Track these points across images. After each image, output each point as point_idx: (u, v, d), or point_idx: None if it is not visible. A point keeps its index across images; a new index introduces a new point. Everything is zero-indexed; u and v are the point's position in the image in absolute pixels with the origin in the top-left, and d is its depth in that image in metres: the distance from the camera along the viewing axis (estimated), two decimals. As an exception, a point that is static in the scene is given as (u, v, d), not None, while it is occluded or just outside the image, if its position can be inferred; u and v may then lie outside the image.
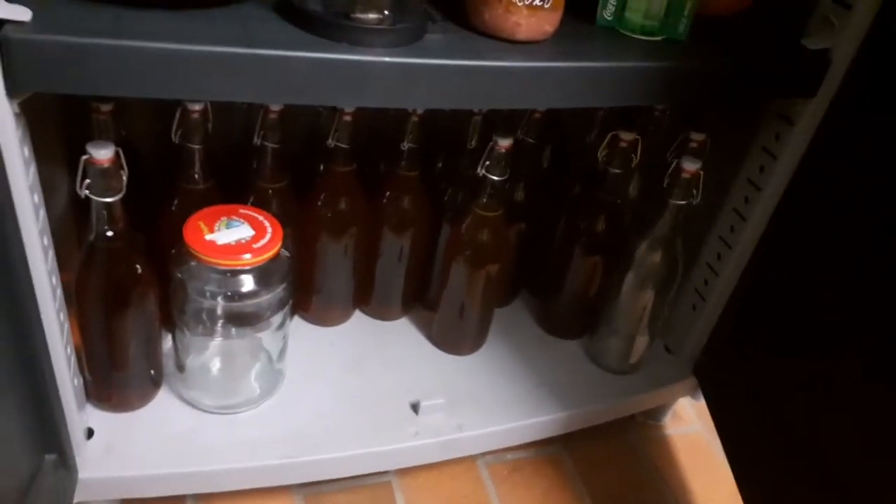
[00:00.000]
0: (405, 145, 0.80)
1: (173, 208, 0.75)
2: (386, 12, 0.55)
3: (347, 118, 0.75)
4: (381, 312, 0.94)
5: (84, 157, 0.59)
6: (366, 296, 0.93)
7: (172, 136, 0.71)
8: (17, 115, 0.49)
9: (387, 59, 0.53)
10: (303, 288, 0.86)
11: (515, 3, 0.57)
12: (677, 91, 0.67)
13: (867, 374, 0.70)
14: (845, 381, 0.73)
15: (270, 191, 0.77)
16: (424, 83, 0.56)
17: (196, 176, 0.74)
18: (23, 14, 0.46)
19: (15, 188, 0.50)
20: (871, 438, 0.69)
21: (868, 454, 0.69)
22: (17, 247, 0.52)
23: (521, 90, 0.59)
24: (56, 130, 0.71)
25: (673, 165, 0.78)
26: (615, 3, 0.67)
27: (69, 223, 0.73)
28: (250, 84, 0.52)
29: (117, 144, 0.61)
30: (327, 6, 0.55)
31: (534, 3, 0.58)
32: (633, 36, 0.67)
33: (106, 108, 0.70)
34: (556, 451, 0.95)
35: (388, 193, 0.84)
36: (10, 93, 0.47)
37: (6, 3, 0.45)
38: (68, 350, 0.62)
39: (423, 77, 0.55)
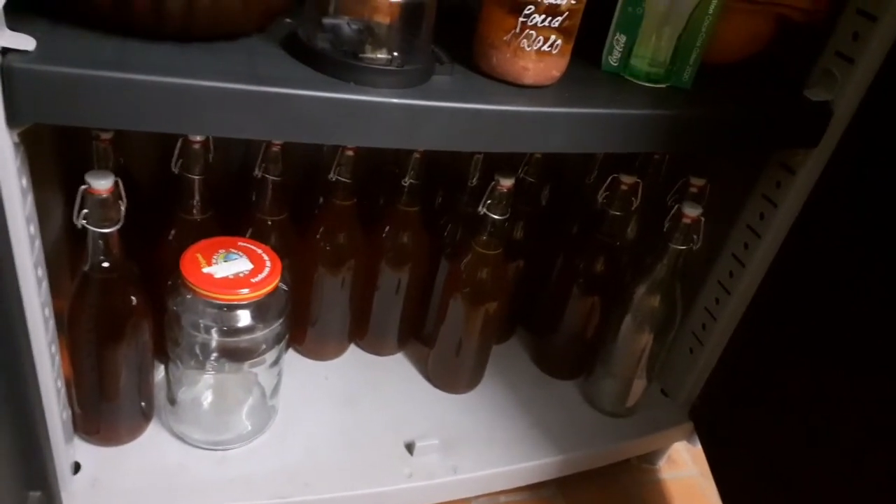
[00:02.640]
0: (406, 181, 0.79)
1: (170, 238, 0.74)
2: (395, 53, 0.55)
3: (350, 153, 0.75)
4: (376, 347, 0.93)
5: (83, 186, 0.59)
6: (361, 330, 0.92)
7: (172, 166, 0.71)
8: (16, 145, 0.48)
9: (394, 100, 0.53)
10: (298, 321, 0.85)
11: (524, 48, 0.58)
12: (681, 139, 0.67)
13: (865, 425, 0.70)
14: (842, 431, 0.72)
15: (270, 223, 0.77)
16: (430, 125, 0.56)
17: (195, 206, 0.73)
18: (27, 43, 0.46)
19: (11, 219, 0.50)
20: (869, 490, 0.68)
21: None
22: (10, 278, 0.52)
23: (527, 134, 0.59)
24: (53, 156, 0.71)
25: (674, 210, 0.78)
26: (621, 50, 0.67)
27: (62, 249, 0.72)
28: (256, 121, 0.51)
29: (115, 173, 0.60)
30: (335, 45, 0.55)
31: (542, 49, 0.58)
32: (638, 83, 0.67)
33: (106, 136, 0.69)
34: (551, 494, 0.93)
35: (387, 228, 0.84)
36: (11, 123, 0.46)
37: (10, 32, 0.45)
38: (58, 384, 0.61)
39: (429, 119, 0.55)
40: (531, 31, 0.57)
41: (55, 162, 0.70)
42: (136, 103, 0.48)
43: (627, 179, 0.81)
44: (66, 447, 0.65)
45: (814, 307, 0.78)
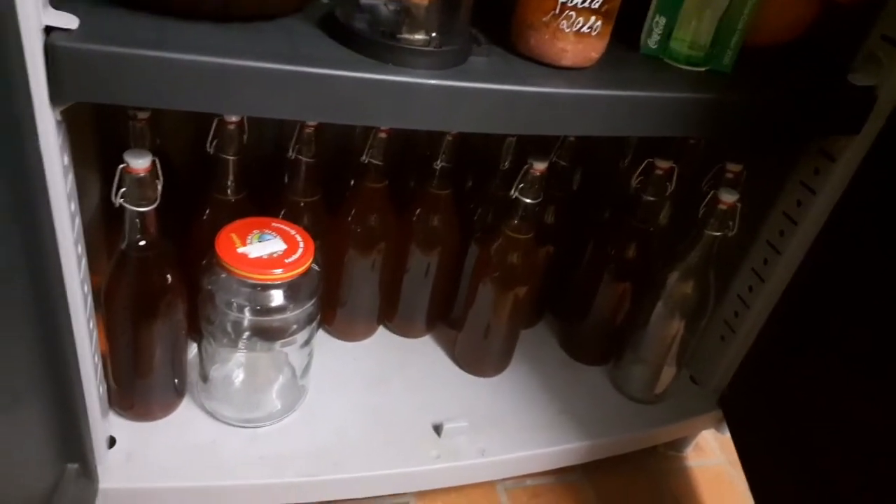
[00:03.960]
0: (438, 164, 0.79)
1: (205, 218, 0.74)
2: (432, 34, 0.54)
3: (382, 135, 0.74)
4: (405, 329, 0.93)
5: (121, 165, 0.59)
6: (391, 312, 0.92)
7: (207, 146, 0.71)
8: (58, 123, 0.49)
9: (432, 81, 0.53)
10: (328, 301, 0.85)
11: (563, 29, 0.57)
12: (719, 125, 0.65)
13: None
14: (874, 422, 0.71)
15: (302, 204, 0.77)
16: (467, 107, 0.55)
17: (229, 187, 0.73)
18: (70, 22, 0.46)
19: (54, 196, 0.50)
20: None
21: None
22: (52, 254, 0.52)
23: (564, 117, 0.59)
24: (90, 135, 0.72)
25: (709, 196, 0.76)
26: (660, 32, 0.66)
27: (99, 227, 0.72)
28: (293, 101, 0.51)
29: (152, 152, 0.61)
30: (373, 25, 0.55)
31: (581, 30, 0.57)
32: (678, 66, 0.66)
33: (143, 115, 0.70)
34: (577, 479, 0.93)
35: (418, 211, 0.84)
36: (54, 101, 0.47)
37: (54, 11, 0.45)
38: (96, 358, 0.62)
39: (466, 101, 0.55)
40: (571, 13, 0.56)
41: (92, 141, 0.71)
42: (176, 82, 0.48)
43: (663, 164, 0.80)
44: (103, 421, 0.66)
45: (849, 298, 0.76)
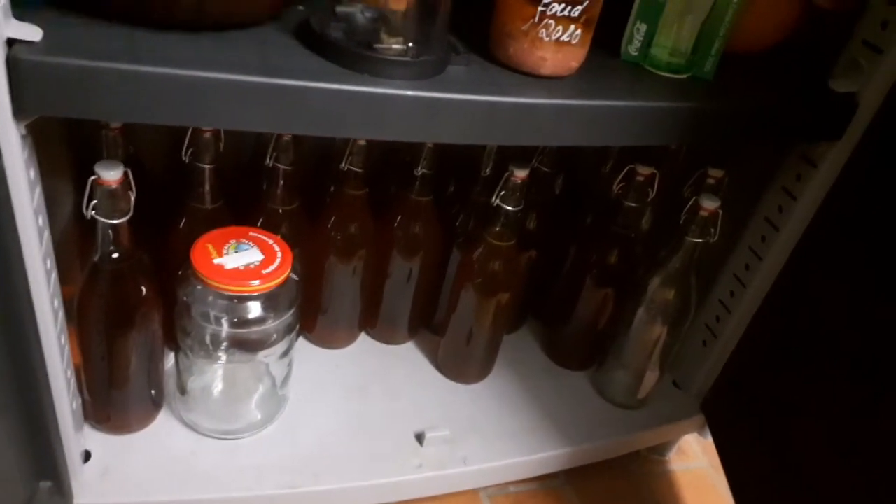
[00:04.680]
0: (419, 171, 0.78)
1: (181, 227, 0.73)
2: (410, 43, 0.53)
3: (362, 142, 0.73)
4: (386, 336, 0.93)
5: (92, 177, 0.58)
6: (372, 318, 0.91)
7: (183, 155, 0.70)
8: (23, 137, 0.47)
9: (409, 92, 0.52)
10: (309, 309, 0.84)
11: (542, 38, 0.56)
12: (701, 132, 0.65)
13: (880, 420, 0.69)
14: (857, 426, 0.72)
15: (281, 212, 0.76)
16: (445, 117, 0.54)
17: (205, 195, 0.72)
18: (33, 34, 0.45)
19: (19, 212, 0.49)
20: (881, 486, 0.67)
21: (876, 500, 0.68)
22: (19, 271, 0.51)
23: (544, 127, 0.58)
24: (61, 144, 0.70)
25: (691, 202, 0.76)
26: (641, 39, 0.65)
27: (72, 236, 0.71)
28: (267, 114, 0.50)
29: (125, 161, 0.59)
30: (349, 34, 0.54)
31: (561, 39, 0.56)
32: (659, 73, 0.66)
33: (115, 125, 0.68)
34: (560, 485, 0.93)
35: (399, 218, 0.83)
36: (17, 115, 0.45)
37: (17, 22, 0.44)
38: (68, 374, 0.61)
39: (444, 111, 0.54)
40: (550, 21, 0.56)
41: (64, 150, 0.70)
42: (146, 96, 0.47)
43: (644, 170, 0.79)
44: (77, 436, 0.65)
45: (830, 303, 0.76)
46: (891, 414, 0.67)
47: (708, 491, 0.99)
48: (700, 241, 0.77)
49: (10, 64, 0.43)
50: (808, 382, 0.79)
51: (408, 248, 0.84)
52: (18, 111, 0.45)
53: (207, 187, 0.72)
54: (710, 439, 0.94)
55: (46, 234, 0.54)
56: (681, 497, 0.97)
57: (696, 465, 1.03)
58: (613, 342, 0.89)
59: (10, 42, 0.43)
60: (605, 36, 0.63)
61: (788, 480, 0.79)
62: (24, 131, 0.47)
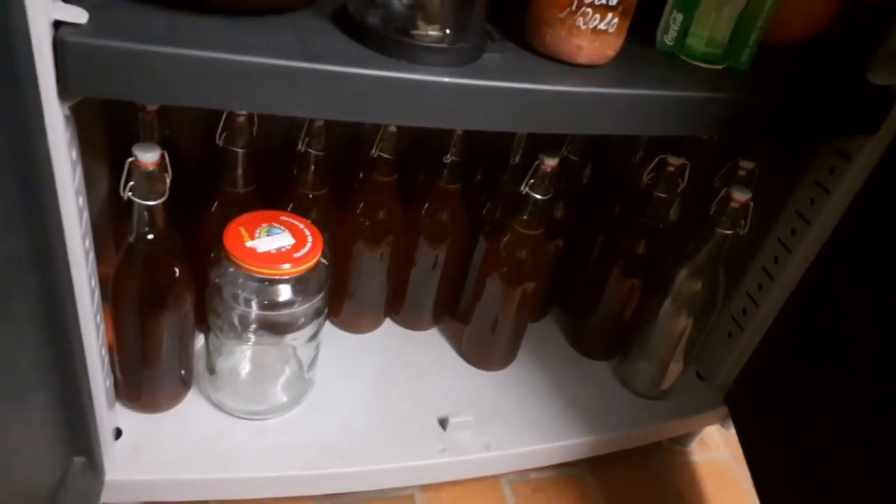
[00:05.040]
0: (448, 158, 0.78)
1: (213, 210, 0.74)
2: (446, 30, 0.53)
3: (392, 129, 0.74)
4: (411, 322, 0.93)
5: (129, 159, 0.59)
6: (397, 304, 0.92)
7: (217, 138, 0.70)
8: (67, 118, 0.48)
9: (445, 78, 0.52)
10: (336, 293, 0.85)
11: (579, 26, 0.56)
12: (736, 124, 0.64)
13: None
14: (881, 422, 0.71)
15: (311, 197, 0.76)
16: (481, 104, 0.54)
17: (238, 179, 0.73)
18: (79, 16, 0.45)
19: (62, 191, 0.49)
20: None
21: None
22: (60, 250, 0.52)
23: (579, 116, 0.58)
24: (99, 127, 0.71)
25: (721, 194, 0.76)
26: (677, 29, 0.65)
27: (108, 218, 0.72)
28: (305, 99, 0.50)
29: (161, 144, 0.60)
30: (386, 21, 0.54)
31: (598, 27, 0.56)
32: (694, 63, 0.65)
33: (152, 107, 0.69)
34: (581, 473, 0.94)
35: (427, 205, 0.83)
36: (62, 96, 0.46)
37: (63, 4, 0.44)
38: (103, 351, 0.62)
39: (479, 98, 0.54)
40: (587, 9, 0.55)
41: (101, 132, 0.70)
42: (187, 79, 0.47)
43: (675, 161, 0.79)
44: (109, 413, 0.66)
45: (859, 299, 0.76)
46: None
47: (729, 482, 0.99)
48: (730, 232, 0.76)
49: (57, 46, 0.44)
50: (833, 378, 0.78)
51: (435, 235, 0.84)
52: (63, 92, 0.46)
53: (240, 171, 0.72)
54: (732, 431, 0.93)
55: (86, 214, 0.55)
56: (701, 488, 0.97)
57: (718, 457, 1.03)
58: (638, 333, 0.89)
59: (57, 24, 0.44)
60: (641, 25, 0.63)
61: (811, 472, 0.79)
62: (67, 112, 0.48)
